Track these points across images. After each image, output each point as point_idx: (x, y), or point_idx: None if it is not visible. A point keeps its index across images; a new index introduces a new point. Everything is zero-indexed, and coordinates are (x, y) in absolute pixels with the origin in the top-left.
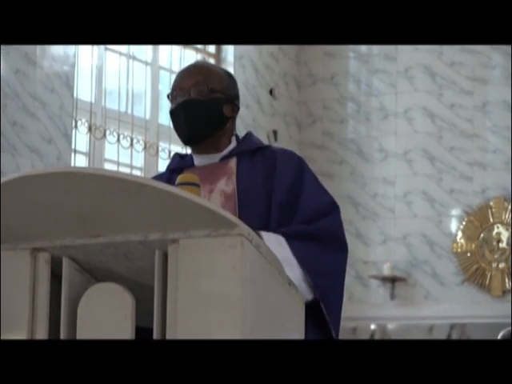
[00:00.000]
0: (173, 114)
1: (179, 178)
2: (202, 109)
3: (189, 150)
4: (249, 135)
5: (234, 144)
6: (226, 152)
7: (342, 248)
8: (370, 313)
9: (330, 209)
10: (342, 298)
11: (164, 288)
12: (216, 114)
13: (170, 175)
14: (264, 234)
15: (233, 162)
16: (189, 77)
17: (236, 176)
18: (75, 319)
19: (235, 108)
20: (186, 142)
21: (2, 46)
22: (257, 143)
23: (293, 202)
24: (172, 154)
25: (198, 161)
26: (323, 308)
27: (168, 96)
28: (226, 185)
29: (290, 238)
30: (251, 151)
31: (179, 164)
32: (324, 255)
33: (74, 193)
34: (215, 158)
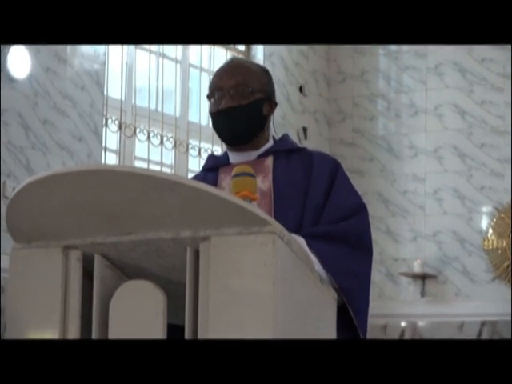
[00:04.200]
0: (213, 116)
1: (235, 170)
2: (244, 114)
3: (217, 148)
4: (285, 136)
5: (270, 143)
6: (262, 150)
7: (367, 250)
8: (401, 310)
9: (358, 210)
10: (368, 302)
11: (195, 285)
12: (257, 116)
13: (204, 174)
14: None
15: (269, 161)
16: (228, 77)
17: (272, 174)
18: (107, 316)
19: (273, 105)
20: (228, 143)
21: (33, 45)
22: (294, 144)
23: (325, 203)
24: (202, 151)
25: (234, 158)
26: (350, 309)
27: (207, 97)
28: (262, 182)
29: (313, 239)
30: (288, 151)
31: (214, 163)
32: (349, 256)
33: (105, 191)
34: (251, 155)
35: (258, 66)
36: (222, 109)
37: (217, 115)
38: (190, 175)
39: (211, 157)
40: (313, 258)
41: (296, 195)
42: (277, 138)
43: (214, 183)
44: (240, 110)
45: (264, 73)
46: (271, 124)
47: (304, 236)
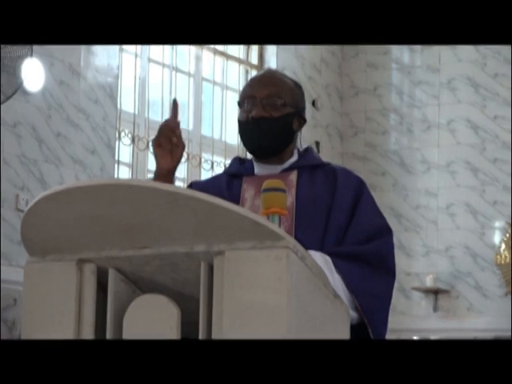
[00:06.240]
0: (243, 124)
1: (265, 184)
2: (274, 126)
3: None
4: (310, 150)
5: (295, 157)
6: (287, 165)
7: (390, 273)
8: (413, 325)
9: (383, 232)
10: (387, 325)
11: (209, 299)
12: (287, 130)
13: (228, 180)
14: (311, 252)
15: (293, 175)
16: (261, 86)
17: (296, 189)
18: (121, 330)
19: (302, 121)
20: (253, 153)
21: (47, 58)
22: (318, 159)
23: (349, 222)
24: (215, 165)
25: (259, 169)
26: (369, 330)
27: (238, 104)
28: None
29: (338, 258)
30: (312, 166)
31: (239, 170)
32: (372, 277)
33: (119, 205)
34: (276, 169)
35: (292, 80)
36: (252, 117)
37: (246, 123)
38: None
39: (237, 160)
40: (337, 278)
41: (319, 212)
42: (300, 149)
43: (238, 193)
44: (271, 121)
45: (297, 88)
46: (297, 139)
47: (329, 255)
